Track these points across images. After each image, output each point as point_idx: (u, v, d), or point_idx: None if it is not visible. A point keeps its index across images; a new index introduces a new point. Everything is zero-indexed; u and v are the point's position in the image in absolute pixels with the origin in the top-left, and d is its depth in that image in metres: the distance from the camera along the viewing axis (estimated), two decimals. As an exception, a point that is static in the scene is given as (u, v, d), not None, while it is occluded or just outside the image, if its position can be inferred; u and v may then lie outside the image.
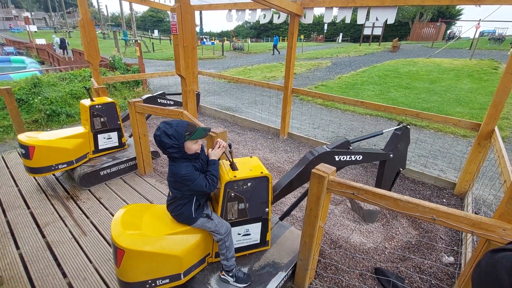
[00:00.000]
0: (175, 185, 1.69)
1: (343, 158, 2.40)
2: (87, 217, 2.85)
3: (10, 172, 3.65)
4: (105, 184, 3.44)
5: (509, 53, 18.31)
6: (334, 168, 1.75)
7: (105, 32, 39.22)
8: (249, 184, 1.84)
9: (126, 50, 22.60)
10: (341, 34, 41.21)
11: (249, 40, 39.53)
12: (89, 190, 3.31)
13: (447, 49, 20.46)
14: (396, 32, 39.36)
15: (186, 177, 1.63)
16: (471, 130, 3.47)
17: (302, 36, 33.27)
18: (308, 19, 4.42)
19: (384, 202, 1.60)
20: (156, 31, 43.49)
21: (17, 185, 3.37)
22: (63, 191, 3.29)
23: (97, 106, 3.42)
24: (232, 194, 1.83)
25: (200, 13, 33.96)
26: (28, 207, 2.98)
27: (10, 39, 29.71)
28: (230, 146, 1.86)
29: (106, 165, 3.44)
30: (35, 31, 32.78)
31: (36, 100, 6.19)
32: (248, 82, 6.05)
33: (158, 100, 4.48)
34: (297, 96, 8.78)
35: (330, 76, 12.51)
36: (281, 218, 2.55)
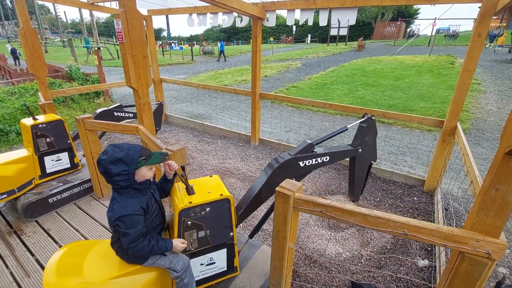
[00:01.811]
0: (111, 223, 1.41)
1: (309, 162, 2.26)
2: (32, 255, 2.48)
3: None
4: (56, 212, 3.05)
5: (489, 47, 19.42)
6: (300, 185, 1.60)
7: (64, 40, 36.96)
8: (207, 209, 1.64)
9: (88, 58, 21.42)
10: (309, 35, 42.24)
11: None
12: (36, 221, 2.91)
13: (408, 46, 21.58)
14: (361, 31, 41.06)
15: (126, 219, 1.36)
16: (435, 127, 3.52)
17: (271, 38, 33.60)
18: (271, 22, 4.31)
19: (353, 218, 1.48)
20: (121, 37, 41.72)
21: None
22: (5, 225, 2.87)
23: (40, 126, 3.03)
24: (189, 223, 1.62)
25: (167, 17, 33.12)
26: (-41, 249, 2.55)
27: (-45, 51, 27.03)
28: (183, 168, 1.65)
29: (56, 190, 3.06)
30: (-15, 41, 30.12)
31: (-22, 119, 5.54)
32: (215, 88, 5.82)
33: (115, 113, 4.11)
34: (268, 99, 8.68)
35: (301, 77, 12.62)
36: (251, 236, 2.37)
